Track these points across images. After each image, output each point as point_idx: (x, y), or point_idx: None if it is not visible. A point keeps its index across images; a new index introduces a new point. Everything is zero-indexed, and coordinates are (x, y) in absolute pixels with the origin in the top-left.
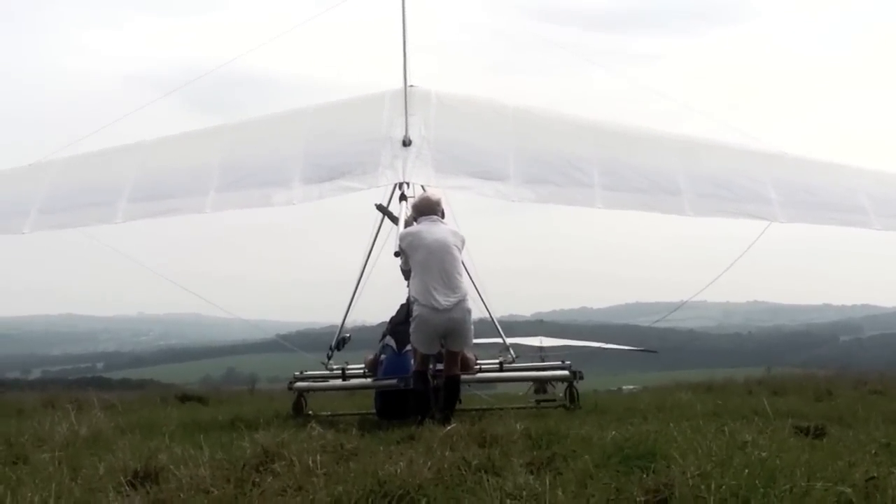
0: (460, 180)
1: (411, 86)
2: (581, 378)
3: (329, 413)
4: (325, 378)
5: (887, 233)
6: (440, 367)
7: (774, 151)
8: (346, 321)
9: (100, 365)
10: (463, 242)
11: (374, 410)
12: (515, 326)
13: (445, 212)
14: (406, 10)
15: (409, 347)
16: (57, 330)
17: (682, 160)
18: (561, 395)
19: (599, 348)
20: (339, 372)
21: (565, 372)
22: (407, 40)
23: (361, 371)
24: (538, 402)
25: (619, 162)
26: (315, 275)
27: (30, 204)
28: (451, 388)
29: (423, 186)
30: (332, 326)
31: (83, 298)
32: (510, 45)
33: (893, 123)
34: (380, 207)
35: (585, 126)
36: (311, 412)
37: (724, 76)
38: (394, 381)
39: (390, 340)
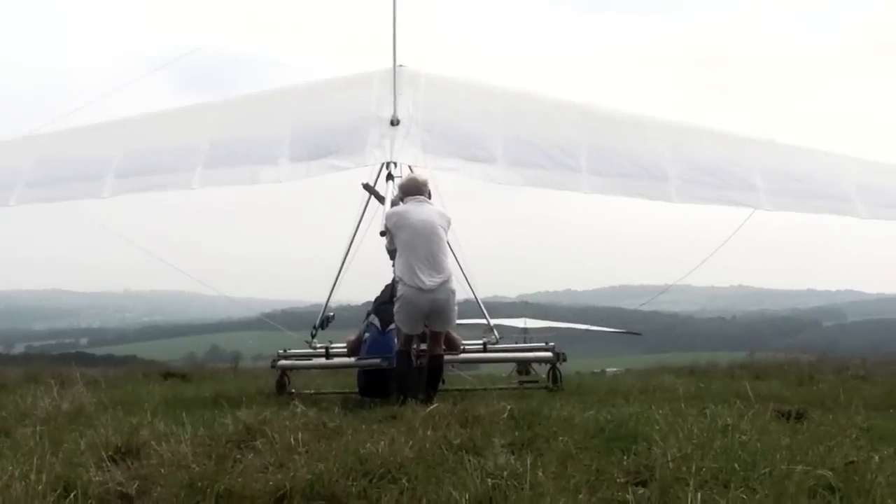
0: (448, 161)
1: (400, 65)
2: (564, 360)
3: (312, 391)
4: (308, 357)
5: (872, 221)
6: (424, 347)
7: (762, 138)
8: (330, 300)
9: (84, 341)
10: (449, 223)
11: (356, 389)
12: (500, 308)
13: (432, 192)
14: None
15: (392, 326)
16: (41, 305)
17: (670, 146)
18: (544, 376)
19: (583, 330)
20: (323, 351)
21: (548, 353)
22: (397, 19)
23: (345, 350)
24: (521, 383)
25: (606, 147)
26: (300, 253)
27: (16, 177)
28: (435, 368)
29: (409, 167)
30: (317, 305)
31: (68, 273)
32: (502, 23)
33: (884, 111)
34: (366, 187)
35: (574, 109)
36: (293, 390)
37: (711, 60)
38: (377, 361)
39: (374, 319)
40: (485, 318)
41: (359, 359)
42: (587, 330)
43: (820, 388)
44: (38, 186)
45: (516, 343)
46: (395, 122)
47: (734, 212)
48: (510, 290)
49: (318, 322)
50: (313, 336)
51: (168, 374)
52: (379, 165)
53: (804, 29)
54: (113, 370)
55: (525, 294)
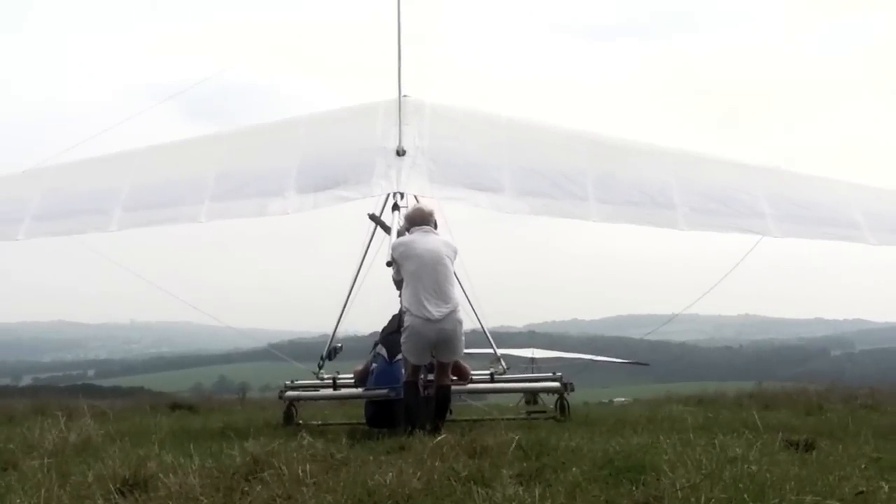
0: (455, 191)
1: (405, 96)
2: (572, 390)
3: (319, 423)
4: (315, 387)
5: (880, 248)
6: (431, 377)
7: (768, 166)
8: (337, 331)
9: (91, 372)
10: (455, 253)
11: (364, 420)
12: (507, 338)
13: (438, 223)
14: (401, 19)
15: (400, 357)
16: (48, 337)
17: (677, 173)
18: (552, 406)
19: (591, 360)
20: (330, 381)
21: (556, 384)
22: (402, 50)
23: (352, 381)
24: (529, 413)
25: (613, 175)
26: (307, 283)
27: (24, 210)
28: (442, 398)
29: (416, 197)
30: (324, 336)
31: (74, 305)
32: (509, 53)
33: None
34: (372, 217)
35: (579, 138)
36: (301, 421)
37: (718, 84)
38: (384, 391)
39: (382, 349)
40: (492, 348)
41: (366, 389)
42: (595, 360)
43: (829, 418)
44: (46, 220)
45: (524, 373)
46: (400, 153)
47: (741, 240)
48: (517, 319)
49: (325, 353)
50: (320, 367)
51: (175, 406)
52: (385, 196)
53: (818, 54)
54: (120, 402)
55: (532, 324)
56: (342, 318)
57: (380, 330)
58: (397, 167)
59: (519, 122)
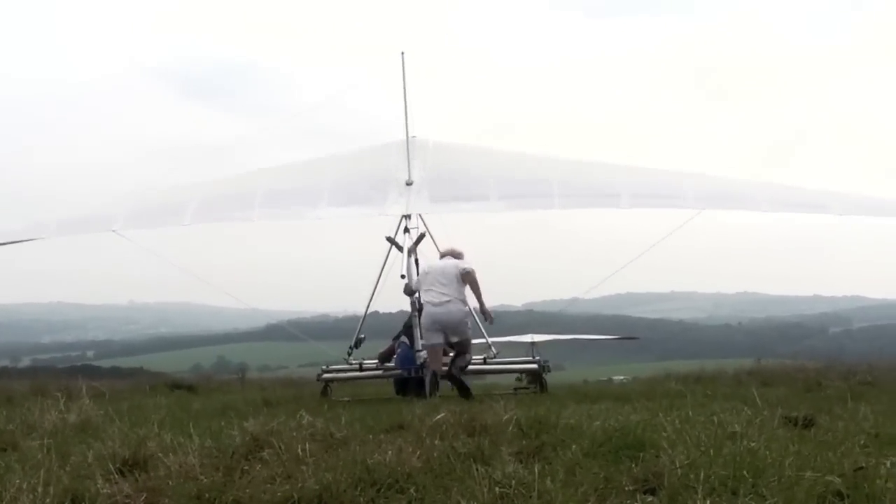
0: (451, 205)
1: (413, 136)
2: (549, 370)
3: (348, 399)
4: (345, 371)
5: (845, 217)
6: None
7: (696, 172)
8: (360, 324)
9: (90, 353)
10: (464, 272)
11: (391, 393)
12: (507, 317)
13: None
14: (406, 68)
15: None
16: (47, 318)
17: (623, 177)
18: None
19: (586, 340)
20: (357, 365)
21: (534, 366)
22: (407, 97)
23: (375, 365)
24: (515, 389)
25: (572, 180)
26: (306, 265)
27: (118, 213)
28: (460, 382)
29: (424, 223)
30: (322, 315)
31: (73, 286)
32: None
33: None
34: (389, 239)
35: (551, 159)
36: (333, 398)
37: (713, 61)
38: (399, 372)
39: (404, 338)
40: (484, 336)
41: (386, 371)
42: (589, 339)
43: (827, 395)
44: (135, 218)
45: (522, 356)
46: (409, 183)
47: (735, 224)
48: (516, 298)
49: (352, 343)
50: (349, 354)
51: (175, 386)
52: (398, 220)
53: (821, 30)
54: (119, 382)
55: (532, 302)
56: (364, 317)
57: (394, 313)
58: (406, 194)
59: (505, 152)
